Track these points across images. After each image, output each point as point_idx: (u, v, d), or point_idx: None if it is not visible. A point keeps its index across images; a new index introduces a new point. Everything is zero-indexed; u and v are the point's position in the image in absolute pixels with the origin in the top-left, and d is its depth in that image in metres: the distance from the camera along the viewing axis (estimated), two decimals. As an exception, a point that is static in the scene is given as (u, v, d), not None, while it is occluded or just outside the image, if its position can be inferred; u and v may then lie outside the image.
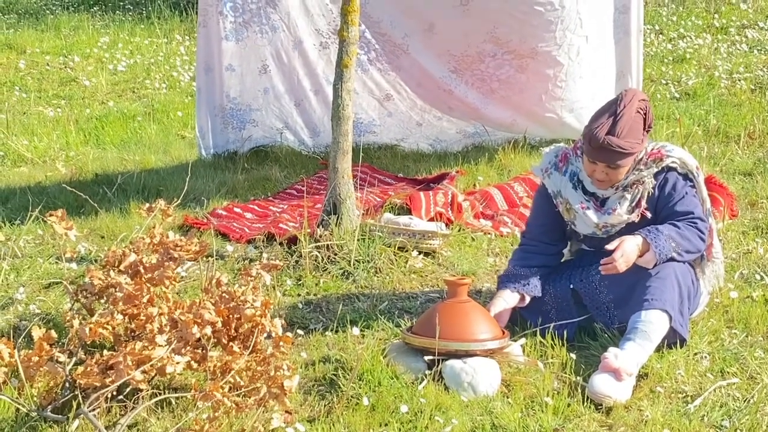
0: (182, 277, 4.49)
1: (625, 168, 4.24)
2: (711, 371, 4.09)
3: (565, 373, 4.04)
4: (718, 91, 8.34)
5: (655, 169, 4.28)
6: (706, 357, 4.18)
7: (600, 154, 4.18)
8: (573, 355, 4.14)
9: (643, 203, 4.29)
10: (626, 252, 4.16)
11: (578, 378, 3.99)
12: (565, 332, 4.26)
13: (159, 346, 3.57)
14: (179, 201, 5.08)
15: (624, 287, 4.25)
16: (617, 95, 4.31)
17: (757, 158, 6.66)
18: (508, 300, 4.38)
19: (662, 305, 4.12)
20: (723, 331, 4.39)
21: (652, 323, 4.08)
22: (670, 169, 4.31)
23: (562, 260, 4.67)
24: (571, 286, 4.43)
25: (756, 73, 8.77)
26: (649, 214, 4.30)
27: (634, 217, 4.28)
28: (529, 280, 4.42)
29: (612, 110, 4.20)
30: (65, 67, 9.96)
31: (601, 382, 3.86)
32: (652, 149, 4.32)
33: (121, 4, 12.48)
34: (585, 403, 3.83)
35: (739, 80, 8.59)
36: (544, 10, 6.55)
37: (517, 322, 4.40)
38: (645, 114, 4.23)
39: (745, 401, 3.87)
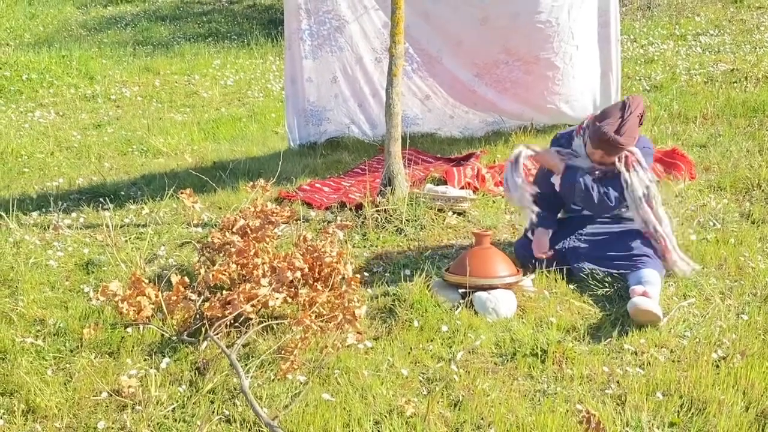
0: (278, 235, 4.52)
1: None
2: (676, 295, 4.06)
3: (567, 298, 4.03)
4: (679, 84, 8.17)
5: None
6: (672, 284, 4.14)
7: (604, 146, 4.09)
8: (571, 286, 4.14)
9: None
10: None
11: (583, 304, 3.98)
12: (564, 269, 4.23)
13: (263, 286, 3.61)
14: (274, 179, 5.12)
15: (596, 250, 4.25)
16: (624, 100, 4.14)
17: (710, 134, 6.53)
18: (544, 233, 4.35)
19: (653, 266, 4.07)
20: (684, 265, 4.34)
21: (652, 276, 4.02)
22: None
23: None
24: (563, 250, 4.33)
25: (708, 69, 8.57)
26: None
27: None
28: (545, 218, 4.35)
29: (620, 114, 4.07)
30: (189, 83, 10.03)
31: (640, 301, 3.76)
32: None
33: (228, 35, 12.51)
34: (581, 321, 3.83)
35: (695, 75, 8.41)
36: (544, 26, 6.47)
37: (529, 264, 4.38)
38: (641, 117, 4.12)
39: (702, 317, 3.83)
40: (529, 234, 4.42)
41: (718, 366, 3.40)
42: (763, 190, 5.33)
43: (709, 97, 7.50)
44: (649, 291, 3.83)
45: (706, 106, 7.14)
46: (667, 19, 11.00)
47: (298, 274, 3.73)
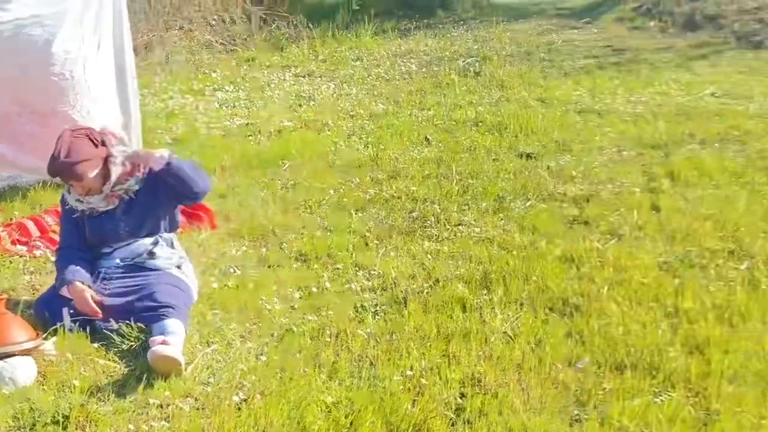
0: None
1: (92, 177, 4.26)
2: (200, 343, 4.16)
3: (91, 357, 3.90)
4: (199, 137, 8.48)
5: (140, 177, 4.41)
6: (196, 333, 4.24)
7: (65, 175, 4.27)
8: (95, 344, 4.02)
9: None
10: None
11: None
12: (87, 327, 4.12)
13: None
14: None
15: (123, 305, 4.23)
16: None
17: (228, 185, 6.85)
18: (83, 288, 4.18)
19: (177, 316, 4.11)
20: (207, 313, 4.46)
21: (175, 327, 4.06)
22: None
23: None
24: None
25: (225, 123, 9.00)
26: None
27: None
28: (79, 271, 4.22)
29: (55, 144, 4.26)
30: None
31: (159, 349, 3.76)
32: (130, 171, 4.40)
33: None
34: (106, 380, 3.74)
35: (213, 129, 8.80)
36: (59, 79, 6.25)
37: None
38: (89, 136, 4.29)
39: (224, 362, 3.98)
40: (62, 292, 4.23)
41: (239, 408, 3.56)
42: (276, 236, 5.73)
43: (227, 149, 7.89)
44: (169, 339, 3.88)
45: (224, 158, 7.49)
46: (186, 74, 11.38)
47: None
